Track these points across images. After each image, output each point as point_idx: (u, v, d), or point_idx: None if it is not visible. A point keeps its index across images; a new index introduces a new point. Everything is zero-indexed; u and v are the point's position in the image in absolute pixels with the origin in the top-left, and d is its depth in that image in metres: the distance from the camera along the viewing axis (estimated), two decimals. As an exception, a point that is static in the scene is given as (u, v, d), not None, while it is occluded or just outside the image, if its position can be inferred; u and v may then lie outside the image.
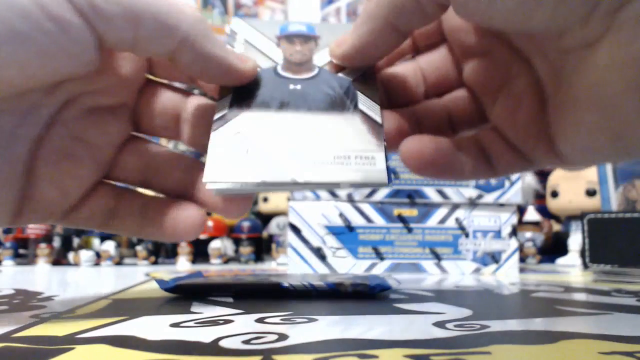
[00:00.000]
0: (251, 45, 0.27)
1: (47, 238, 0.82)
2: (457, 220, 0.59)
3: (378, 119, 0.23)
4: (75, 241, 0.85)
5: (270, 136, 0.23)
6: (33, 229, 0.82)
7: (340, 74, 0.25)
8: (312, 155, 0.22)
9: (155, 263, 0.83)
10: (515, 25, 0.18)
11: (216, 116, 0.23)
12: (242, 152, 0.22)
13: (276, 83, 0.25)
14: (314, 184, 0.22)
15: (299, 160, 0.22)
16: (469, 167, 0.23)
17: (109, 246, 0.80)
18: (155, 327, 0.21)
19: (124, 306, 0.28)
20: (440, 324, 0.22)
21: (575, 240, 0.82)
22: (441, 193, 0.59)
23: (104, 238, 0.83)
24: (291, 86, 0.25)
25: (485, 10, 0.18)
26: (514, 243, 0.59)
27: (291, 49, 0.26)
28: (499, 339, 0.19)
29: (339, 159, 0.22)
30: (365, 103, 0.24)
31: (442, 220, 0.59)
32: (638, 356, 0.16)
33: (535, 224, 0.89)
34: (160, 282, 0.33)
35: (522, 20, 0.17)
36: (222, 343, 0.18)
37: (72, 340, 0.19)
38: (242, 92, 0.24)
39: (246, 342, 0.18)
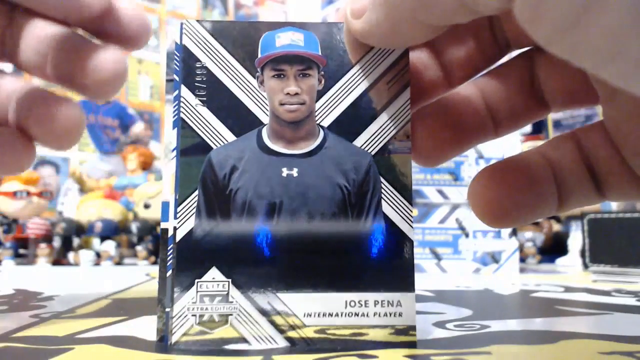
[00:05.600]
0: (212, 78, 0.18)
1: (47, 238, 0.82)
2: (457, 220, 0.59)
3: (408, 230, 0.17)
4: (76, 241, 0.85)
5: (258, 284, 0.17)
6: (33, 229, 0.82)
7: (355, 142, 0.17)
8: (314, 303, 0.17)
9: (155, 263, 0.83)
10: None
11: (177, 228, 0.17)
12: (221, 318, 0.17)
13: (262, 165, 0.17)
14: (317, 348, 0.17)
15: (296, 309, 0.17)
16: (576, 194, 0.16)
17: (109, 246, 0.80)
18: (155, 327, 0.21)
19: (124, 306, 0.28)
20: (440, 324, 0.22)
21: (575, 240, 0.82)
22: (441, 193, 0.59)
23: (103, 238, 0.83)
24: (285, 171, 0.17)
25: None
26: (514, 243, 0.59)
27: (281, 90, 0.18)
28: (499, 339, 0.19)
29: (353, 307, 0.17)
30: (392, 199, 0.17)
31: (442, 220, 0.59)
32: (638, 356, 0.16)
33: (536, 223, 0.89)
34: None
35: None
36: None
37: (72, 340, 0.19)
38: (214, 182, 0.17)
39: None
